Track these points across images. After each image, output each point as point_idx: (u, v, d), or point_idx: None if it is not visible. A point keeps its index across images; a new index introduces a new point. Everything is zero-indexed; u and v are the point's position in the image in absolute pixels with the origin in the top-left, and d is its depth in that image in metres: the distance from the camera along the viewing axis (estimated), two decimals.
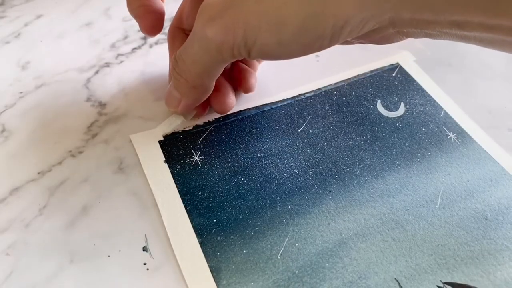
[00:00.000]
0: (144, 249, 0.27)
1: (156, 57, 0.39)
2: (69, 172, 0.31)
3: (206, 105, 0.33)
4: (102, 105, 0.35)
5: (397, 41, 0.27)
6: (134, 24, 0.41)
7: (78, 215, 0.29)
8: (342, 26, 0.24)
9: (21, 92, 0.35)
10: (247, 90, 0.33)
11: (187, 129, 0.33)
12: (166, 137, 0.32)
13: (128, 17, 0.42)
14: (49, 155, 0.32)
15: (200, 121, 0.33)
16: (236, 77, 0.34)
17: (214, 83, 0.30)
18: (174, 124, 0.33)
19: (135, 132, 0.33)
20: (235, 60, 0.28)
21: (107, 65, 0.38)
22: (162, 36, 0.40)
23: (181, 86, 0.30)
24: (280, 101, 0.35)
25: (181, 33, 0.33)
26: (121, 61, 0.38)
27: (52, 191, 0.30)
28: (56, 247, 0.27)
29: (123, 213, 0.29)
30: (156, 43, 0.40)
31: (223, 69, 0.29)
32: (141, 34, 0.40)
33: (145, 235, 0.28)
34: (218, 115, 0.34)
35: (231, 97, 0.33)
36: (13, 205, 0.29)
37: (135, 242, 0.28)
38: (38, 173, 0.31)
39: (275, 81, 0.37)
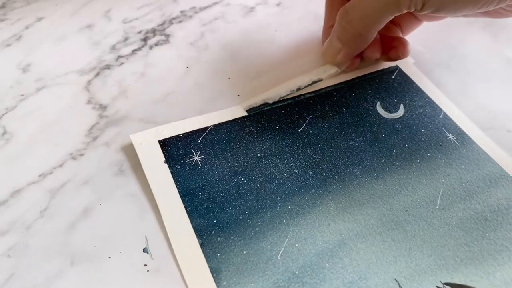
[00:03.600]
0: (145, 250, 0.27)
1: (156, 58, 0.39)
2: (70, 175, 0.31)
3: (358, 58, 0.37)
4: (103, 107, 0.35)
5: None
6: (134, 26, 0.42)
7: (79, 217, 0.29)
8: None
9: (22, 95, 0.36)
10: (404, 54, 0.36)
11: (186, 131, 0.33)
12: (251, 109, 0.34)
13: (128, 19, 0.42)
14: (50, 158, 0.32)
15: (203, 123, 0.33)
16: (392, 44, 0.36)
17: (375, 35, 0.34)
18: (329, 72, 0.36)
19: None
20: (405, 12, 0.30)
21: (107, 67, 0.38)
22: (162, 37, 0.41)
23: (347, 35, 0.33)
24: (280, 101, 0.35)
25: None
26: (122, 63, 0.38)
27: (53, 194, 0.30)
28: (57, 249, 0.27)
29: (124, 215, 0.29)
30: (156, 44, 0.40)
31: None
32: (141, 36, 0.41)
33: (146, 236, 0.28)
34: (217, 116, 0.34)
35: (380, 47, 0.36)
36: (14, 207, 0.29)
37: (136, 244, 0.28)
38: (39, 176, 0.31)
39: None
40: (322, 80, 0.36)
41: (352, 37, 0.33)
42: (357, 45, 0.34)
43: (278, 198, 0.30)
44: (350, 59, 0.36)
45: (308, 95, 0.36)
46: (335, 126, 0.34)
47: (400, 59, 0.37)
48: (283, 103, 0.35)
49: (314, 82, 0.36)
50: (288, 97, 0.35)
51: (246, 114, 0.34)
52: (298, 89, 0.35)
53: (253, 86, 0.37)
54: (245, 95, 0.36)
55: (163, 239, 0.28)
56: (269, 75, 0.38)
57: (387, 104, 0.36)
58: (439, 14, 0.30)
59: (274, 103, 0.35)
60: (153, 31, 0.41)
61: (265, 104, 0.35)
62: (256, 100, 0.35)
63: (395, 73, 0.38)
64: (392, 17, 0.32)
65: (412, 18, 0.37)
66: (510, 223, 0.29)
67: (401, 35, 0.38)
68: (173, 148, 0.32)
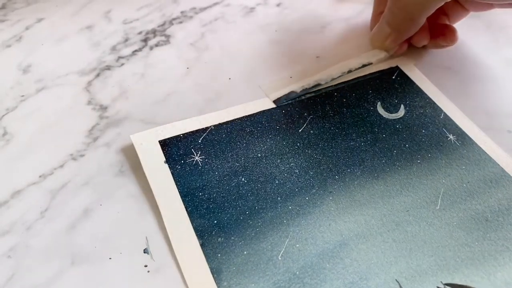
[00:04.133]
0: (145, 251, 0.27)
1: (156, 59, 0.39)
2: (71, 175, 0.31)
3: (406, 44, 0.39)
4: (103, 108, 0.35)
5: None
6: (134, 27, 0.42)
7: (80, 217, 0.29)
8: None
9: (22, 96, 0.36)
10: (453, 41, 0.38)
11: (187, 131, 0.33)
12: (304, 90, 0.36)
13: (129, 20, 0.42)
14: (50, 158, 0.32)
15: (204, 123, 0.33)
16: (441, 31, 0.38)
17: (424, 21, 0.35)
18: (378, 56, 0.38)
19: None
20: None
21: (107, 68, 0.38)
22: (162, 38, 0.41)
23: (397, 20, 0.36)
24: (282, 102, 0.35)
25: None
26: (122, 64, 0.38)
27: (54, 194, 0.30)
28: (57, 250, 0.27)
29: (124, 216, 0.29)
30: (157, 45, 0.40)
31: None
32: (142, 37, 0.41)
33: (146, 237, 0.28)
34: (217, 116, 0.34)
35: (428, 34, 0.38)
36: (15, 208, 0.29)
37: (136, 244, 0.28)
38: (40, 176, 0.31)
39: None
40: (371, 64, 0.38)
41: (402, 22, 0.35)
42: (407, 30, 0.36)
43: (279, 198, 0.30)
44: (398, 44, 0.38)
45: (308, 95, 0.36)
46: (335, 126, 0.34)
47: (449, 46, 0.38)
48: (283, 103, 0.35)
49: (364, 66, 0.37)
50: (339, 80, 0.37)
51: (273, 106, 0.35)
52: (349, 71, 0.37)
53: (304, 70, 0.38)
54: (297, 78, 0.37)
55: (163, 239, 0.28)
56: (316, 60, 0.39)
57: (388, 105, 0.36)
58: (487, 0, 0.32)
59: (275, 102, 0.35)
60: (153, 32, 0.41)
61: (318, 85, 0.36)
62: (309, 81, 0.36)
63: (395, 74, 0.38)
64: (442, 4, 0.33)
65: (459, 7, 0.39)
66: (511, 223, 0.29)
67: (448, 23, 0.39)
68: (174, 148, 0.32)
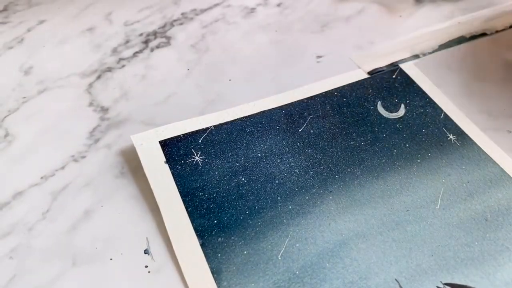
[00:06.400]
0: (146, 251, 0.28)
1: (157, 60, 0.39)
2: (72, 177, 0.31)
3: None
4: (104, 110, 0.35)
5: None
6: (135, 28, 0.42)
7: (81, 219, 0.29)
8: None
9: (24, 97, 0.36)
10: None
11: (187, 131, 0.33)
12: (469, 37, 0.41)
13: (130, 22, 0.42)
14: (52, 160, 0.32)
15: (204, 124, 0.33)
16: None
17: None
18: None
19: None
20: None
21: (109, 69, 0.38)
22: (163, 40, 0.41)
23: None
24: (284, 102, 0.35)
25: None
26: (123, 66, 0.39)
27: (55, 195, 0.30)
28: (58, 251, 0.27)
29: (125, 217, 0.29)
30: (157, 47, 0.40)
31: None
32: (142, 38, 0.41)
33: (147, 238, 0.28)
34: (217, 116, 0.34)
35: None
36: (16, 209, 0.29)
37: (137, 245, 0.28)
38: (41, 178, 0.31)
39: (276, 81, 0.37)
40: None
41: None
42: None
43: (279, 198, 0.30)
44: None
45: (308, 95, 0.36)
46: (335, 125, 0.34)
47: None
48: (284, 103, 0.35)
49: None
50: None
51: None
52: (511, 26, 0.42)
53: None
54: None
55: (164, 240, 0.28)
56: None
57: (388, 104, 0.36)
58: None
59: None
60: (154, 34, 0.41)
61: (461, 38, 0.41)
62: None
63: (395, 73, 0.38)
64: None
65: None
66: (510, 223, 0.29)
67: None
68: (174, 149, 0.32)
